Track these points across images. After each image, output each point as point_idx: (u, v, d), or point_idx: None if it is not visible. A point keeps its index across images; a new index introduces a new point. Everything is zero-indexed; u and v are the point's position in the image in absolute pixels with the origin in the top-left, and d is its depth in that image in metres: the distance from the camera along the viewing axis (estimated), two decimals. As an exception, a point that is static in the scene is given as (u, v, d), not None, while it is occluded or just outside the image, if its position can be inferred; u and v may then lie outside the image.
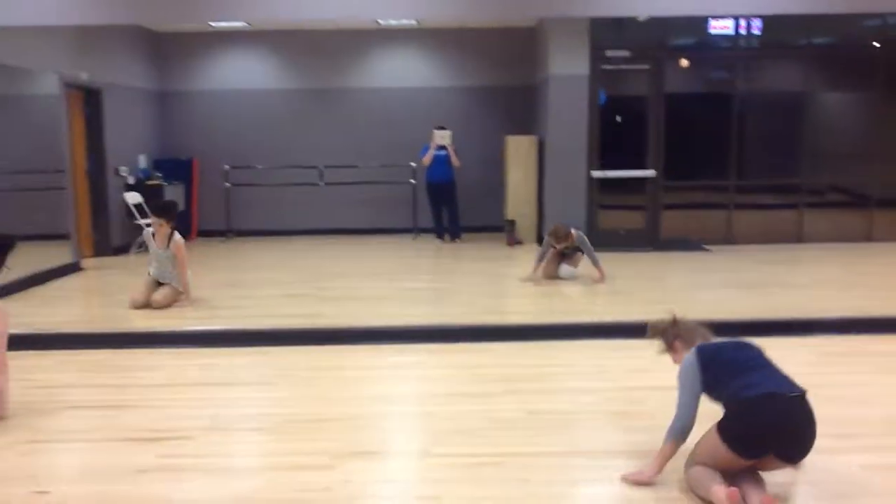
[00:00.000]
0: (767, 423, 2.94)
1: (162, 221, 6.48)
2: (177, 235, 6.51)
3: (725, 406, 3.06)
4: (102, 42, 9.36)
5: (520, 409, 4.13)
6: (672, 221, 9.86)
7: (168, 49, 11.03)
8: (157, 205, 6.82)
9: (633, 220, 9.89)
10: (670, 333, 3.41)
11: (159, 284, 6.51)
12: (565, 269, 7.46)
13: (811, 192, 9.89)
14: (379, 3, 7.94)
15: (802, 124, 9.73)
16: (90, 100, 9.25)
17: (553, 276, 7.42)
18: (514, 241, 9.98)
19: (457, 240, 10.32)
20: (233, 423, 3.98)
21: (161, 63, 11.04)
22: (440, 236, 10.40)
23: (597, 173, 9.58)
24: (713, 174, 9.93)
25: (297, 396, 4.43)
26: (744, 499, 2.93)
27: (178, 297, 6.48)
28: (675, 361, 3.37)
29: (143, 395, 4.44)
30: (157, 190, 10.02)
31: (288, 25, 10.71)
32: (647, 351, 5.14)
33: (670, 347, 3.41)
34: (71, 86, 8.70)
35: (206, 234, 10.93)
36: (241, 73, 11.14)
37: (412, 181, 10.81)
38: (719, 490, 2.91)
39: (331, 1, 7.70)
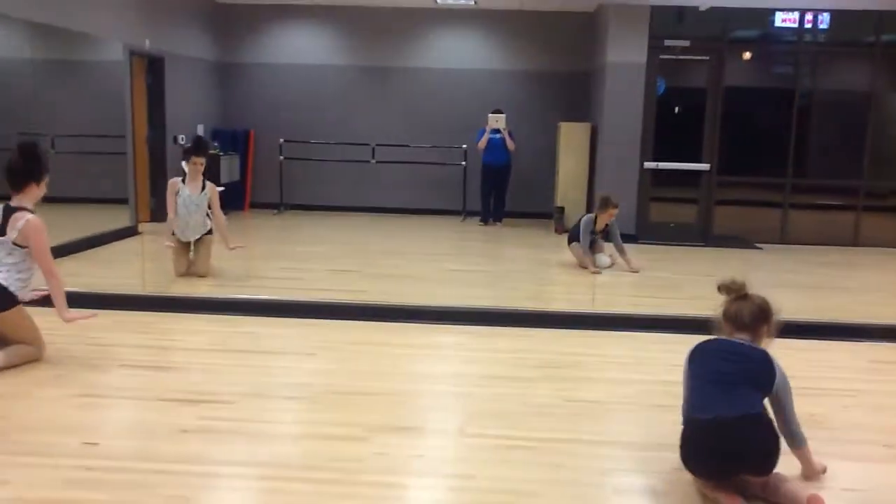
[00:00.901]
0: (711, 450, 2.95)
1: (204, 160, 6.39)
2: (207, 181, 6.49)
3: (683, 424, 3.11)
4: (165, 11, 9.56)
5: (556, 395, 4.14)
6: (724, 217, 9.71)
7: (229, 20, 11.19)
8: (197, 143, 6.55)
9: (684, 214, 9.77)
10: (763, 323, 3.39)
11: (187, 247, 6.48)
12: (601, 258, 7.40)
13: (871, 195, 9.62)
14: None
15: (866, 125, 9.45)
16: (152, 68, 9.46)
17: (593, 264, 7.37)
18: (562, 229, 9.92)
19: (498, 223, 10.34)
20: (272, 391, 4.08)
21: (221, 34, 11.21)
22: (485, 220, 10.42)
23: (650, 164, 9.47)
24: (769, 171, 9.73)
25: (337, 369, 4.51)
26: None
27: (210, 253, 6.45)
28: None
29: (188, 359, 4.58)
30: (214, 159, 10.21)
31: (348, 1, 10.77)
32: (687, 346, 5.14)
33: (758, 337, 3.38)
34: (134, 53, 8.90)
35: (260, 206, 11.12)
36: (300, 48, 11.26)
37: (463, 163, 10.83)
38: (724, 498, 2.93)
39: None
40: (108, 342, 4.79)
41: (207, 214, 6.54)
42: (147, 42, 9.04)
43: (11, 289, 4.19)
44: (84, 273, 6.43)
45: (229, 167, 10.63)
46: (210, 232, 6.62)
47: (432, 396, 4.14)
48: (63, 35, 7.60)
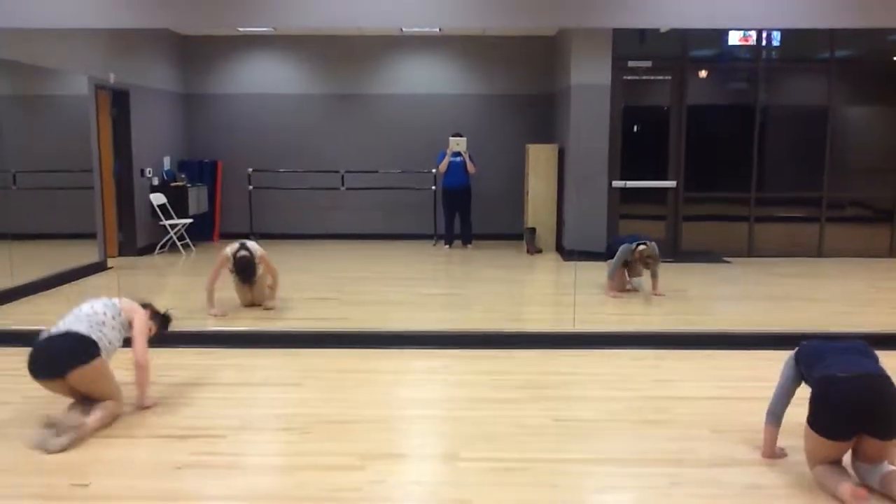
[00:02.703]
0: (846, 400, 3.10)
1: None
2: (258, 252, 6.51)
3: (812, 391, 3.26)
4: (129, 44, 9.51)
5: (545, 415, 4.17)
6: (692, 233, 9.88)
7: (194, 52, 11.16)
8: (243, 271, 6.47)
9: (653, 231, 9.89)
10: None
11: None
12: (635, 280, 7.39)
13: (833, 206, 9.88)
14: (404, 11, 8.01)
15: (824, 138, 9.71)
16: (117, 101, 9.38)
17: (622, 288, 7.33)
18: (534, 250, 10.02)
19: (468, 246, 10.40)
20: (263, 423, 4.05)
21: (186, 66, 11.17)
22: (449, 242, 10.47)
23: (617, 183, 9.62)
24: (734, 186, 9.94)
25: (325, 398, 4.49)
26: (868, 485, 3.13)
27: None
28: None
29: (174, 394, 4.51)
30: (182, 191, 10.15)
31: (313, 31, 10.82)
32: (669, 362, 5.23)
33: None
34: (99, 87, 8.83)
35: (229, 236, 11.01)
36: (265, 78, 11.26)
37: (433, 187, 10.89)
38: (845, 488, 3.04)
39: (358, 8, 7.78)
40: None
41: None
42: (112, 76, 8.98)
43: (99, 344, 4.00)
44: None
45: (197, 198, 10.55)
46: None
47: (423, 422, 4.15)
48: (27, 70, 7.52)
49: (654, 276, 7.25)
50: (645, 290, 7.30)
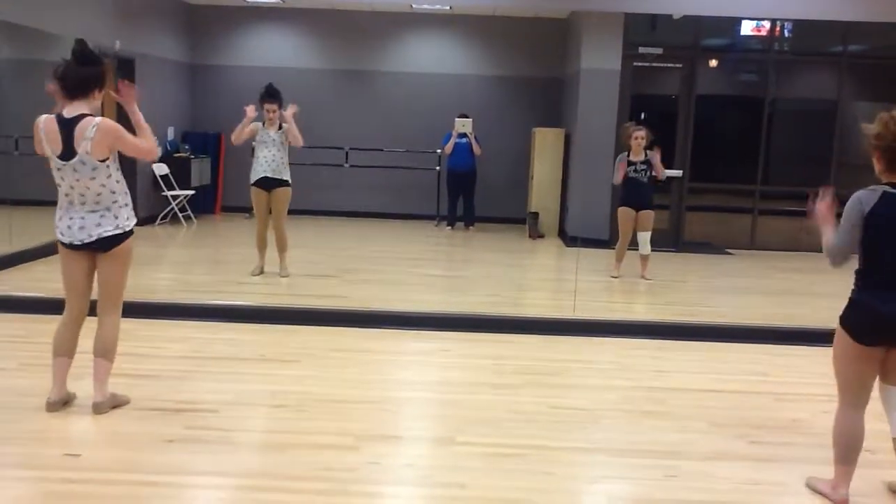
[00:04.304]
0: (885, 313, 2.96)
1: (275, 106, 6.68)
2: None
3: (854, 280, 3.08)
4: (136, 12, 9.41)
5: (542, 402, 4.14)
6: (695, 223, 9.83)
7: (201, 22, 11.06)
8: (268, 90, 6.76)
9: (656, 221, 9.79)
10: (876, 143, 3.18)
11: (267, 191, 6.82)
12: (641, 236, 7.34)
13: (839, 202, 9.79)
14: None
15: (832, 133, 9.64)
16: (122, 69, 9.29)
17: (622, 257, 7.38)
18: (536, 235, 9.97)
19: (470, 228, 10.35)
20: (257, 399, 4.02)
21: (193, 36, 11.07)
22: (451, 224, 10.42)
23: (623, 170, 9.54)
24: (739, 178, 9.88)
25: (322, 376, 4.46)
26: None
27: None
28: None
29: (168, 367, 4.49)
30: (185, 162, 10.10)
31: (322, 4, 10.71)
32: (668, 352, 5.20)
33: (871, 154, 3.21)
34: (104, 54, 8.72)
35: (231, 209, 10.99)
36: (272, 51, 11.16)
37: (437, 168, 10.82)
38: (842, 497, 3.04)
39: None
40: (86, 349, 4.68)
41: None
42: (117, 43, 8.89)
43: (122, 217, 3.64)
44: (56, 278, 6.26)
45: (200, 170, 10.50)
46: (284, 184, 6.89)
47: (420, 404, 4.12)
48: (30, 35, 7.43)
49: (644, 255, 7.27)
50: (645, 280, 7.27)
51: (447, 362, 4.86)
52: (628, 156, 7.21)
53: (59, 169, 3.58)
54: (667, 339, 5.46)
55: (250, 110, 6.70)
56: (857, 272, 3.11)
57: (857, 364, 3.05)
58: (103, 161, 3.58)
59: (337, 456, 3.37)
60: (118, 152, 3.71)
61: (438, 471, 3.29)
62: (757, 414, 4.09)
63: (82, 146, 3.52)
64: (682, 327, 5.69)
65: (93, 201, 3.60)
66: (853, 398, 3.08)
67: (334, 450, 3.43)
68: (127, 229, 3.71)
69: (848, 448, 3.09)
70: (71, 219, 3.60)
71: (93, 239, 3.59)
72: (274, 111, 6.71)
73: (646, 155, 7.19)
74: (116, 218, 3.66)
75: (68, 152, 3.54)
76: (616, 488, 3.21)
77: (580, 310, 5.97)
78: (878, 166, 3.13)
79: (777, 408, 4.21)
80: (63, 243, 3.64)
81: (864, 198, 3.07)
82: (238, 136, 6.79)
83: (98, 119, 3.60)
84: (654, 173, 7.18)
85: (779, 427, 3.89)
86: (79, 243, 3.60)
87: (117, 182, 3.67)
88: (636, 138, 7.15)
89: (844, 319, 3.08)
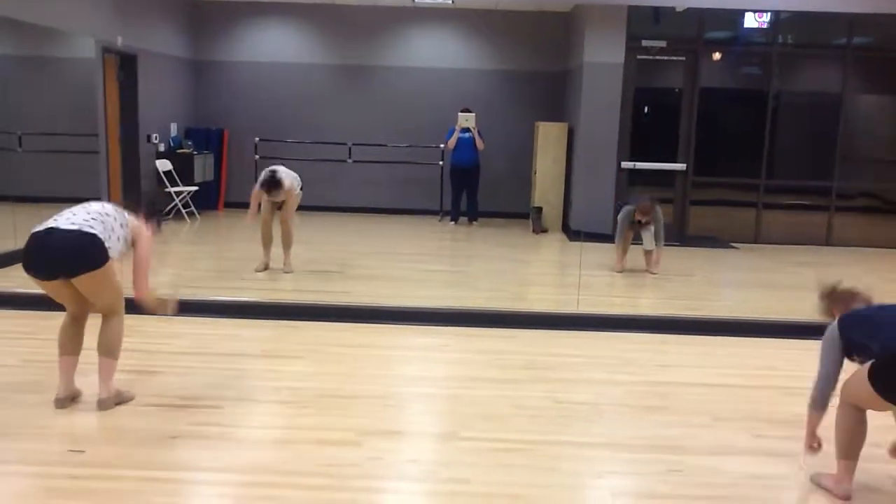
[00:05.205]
0: None
1: (275, 199, 6.75)
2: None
3: (878, 354, 3.02)
4: (138, 7, 9.40)
5: (546, 397, 4.14)
6: (700, 217, 9.81)
7: (203, 17, 11.04)
8: (268, 183, 6.64)
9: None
10: (827, 302, 3.42)
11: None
12: (647, 236, 7.29)
13: (842, 195, 9.78)
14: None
15: (836, 126, 9.59)
16: (125, 65, 9.29)
17: (625, 253, 7.39)
18: (540, 229, 9.95)
19: (473, 223, 10.34)
20: (260, 395, 4.03)
21: (196, 32, 11.06)
22: (455, 219, 10.40)
23: (627, 164, 9.53)
24: (743, 171, 9.85)
25: (325, 372, 4.46)
26: None
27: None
28: None
29: (171, 363, 4.50)
30: (188, 158, 10.09)
31: None
32: (672, 346, 5.19)
33: (829, 314, 3.38)
34: (106, 50, 8.74)
35: (234, 205, 10.98)
36: (275, 46, 11.15)
37: (440, 163, 10.81)
38: (845, 491, 3.06)
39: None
40: (88, 345, 4.68)
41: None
42: (119, 39, 8.88)
43: (107, 244, 3.59)
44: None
45: (203, 166, 10.49)
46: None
47: (422, 399, 4.12)
48: (32, 30, 7.43)
49: (657, 237, 7.22)
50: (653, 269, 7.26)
51: (450, 357, 4.85)
52: (635, 214, 7.16)
53: None
54: (670, 334, 5.45)
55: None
56: (875, 343, 3.05)
57: (872, 403, 3.06)
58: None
59: (340, 451, 3.37)
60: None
61: (441, 466, 3.29)
62: (762, 408, 4.08)
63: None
64: (686, 321, 5.68)
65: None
66: (858, 406, 3.11)
67: (337, 445, 3.43)
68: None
69: (850, 443, 3.08)
70: None
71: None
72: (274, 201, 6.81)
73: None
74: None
75: None
76: (619, 483, 3.21)
77: (584, 304, 5.95)
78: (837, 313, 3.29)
79: (782, 402, 4.20)
80: None
81: (833, 333, 3.20)
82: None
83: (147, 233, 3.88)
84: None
85: (784, 421, 3.88)
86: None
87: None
88: (639, 221, 7.15)
89: (874, 374, 3.03)
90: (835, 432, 3.13)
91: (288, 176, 6.73)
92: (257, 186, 6.71)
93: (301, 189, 6.98)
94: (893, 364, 2.98)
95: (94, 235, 3.54)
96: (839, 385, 3.18)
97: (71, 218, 3.60)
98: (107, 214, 3.69)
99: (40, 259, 3.56)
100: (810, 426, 3.24)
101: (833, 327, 3.20)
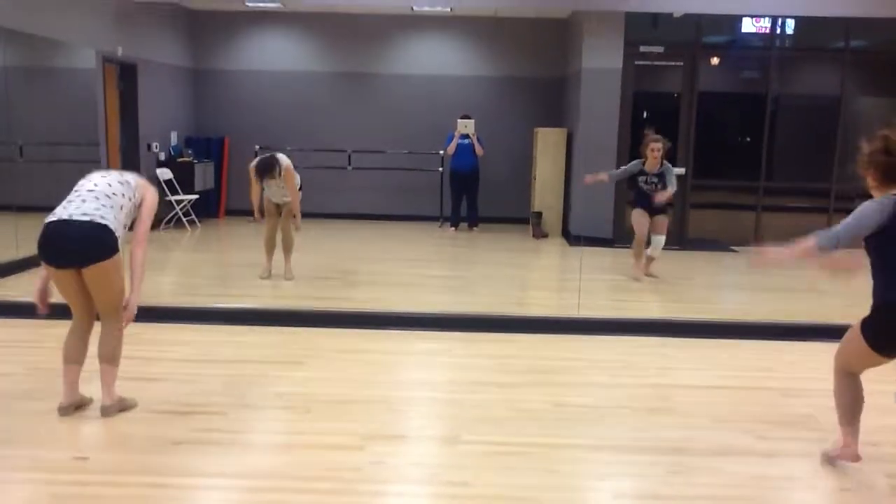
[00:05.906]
0: None
1: (270, 181, 6.59)
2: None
3: (874, 297, 3.03)
4: (138, 18, 9.44)
5: (546, 400, 4.15)
6: (699, 221, 9.83)
7: (203, 27, 11.09)
8: (262, 168, 6.54)
9: (660, 218, 9.85)
10: (870, 159, 3.09)
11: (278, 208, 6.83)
12: (655, 239, 7.26)
13: (841, 197, 9.79)
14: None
15: (835, 129, 9.62)
16: (125, 75, 9.34)
17: (644, 234, 7.27)
18: (540, 234, 9.98)
19: (474, 228, 10.36)
20: (263, 401, 4.04)
21: (195, 41, 11.11)
22: (455, 225, 10.43)
23: (626, 169, 9.54)
24: (742, 175, 9.87)
25: (326, 377, 4.47)
26: None
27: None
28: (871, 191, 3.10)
29: (174, 370, 4.52)
30: (188, 167, 10.13)
31: (322, 8, 10.74)
32: (672, 350, 5.21)
33: (864, 174, 3.14)
34: (107, 60, 8.78)
35: (235, 213, 11.01)
36: (274, 55, 11.19)
37: (439, 169, 10.84)
38: (852, 453, 3.16)
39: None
40: (90, 353, 4.70)
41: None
42: (119, 49, 8.93)
43: (117, 234, 3.68)
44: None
45: (203, 175, 10.53)
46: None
47: (424, 404, 4.13)
48: (34, 41, 7.47)
49: (651, 252, 7.22)
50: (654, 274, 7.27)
51: (452, 362, 4.87)
52: (643, 165, 7.13)
53: None
54: (672, 337, 5.46)
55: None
56: (878, 281, 3.08)
57: (867, 361, 3.09)
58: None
59: (343, 456, 3.38)
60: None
61: (444, 469, 3.31)
62: (763, 409, 4.09)
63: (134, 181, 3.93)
64: (687, 324, 5.69)
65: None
66: (851, 371, 3.21)
67: (340, 450, 3.44)
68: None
69: (850, 408, 3.20)
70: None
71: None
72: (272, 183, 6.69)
73: (661, 165, 7.09)
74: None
75: None
76: (621, 485, 3.22)
77: (584, 308, 5.97)
78: (871, 182, 3.09)
79: (784, 403, 4.22)
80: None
81: (886, 204, 2.99)
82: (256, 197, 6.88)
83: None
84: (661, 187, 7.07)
85: (786, 422, 3.89)
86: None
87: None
88: (653, 150, 7.04)
89: (866, 328, 3.05)
90: (835, 401, 3.25)
91: (284, 160, 6.63)
92: (252, 174, 6.55)
93: (300, 189, 6.91)
94: (886, 315, 3.04)
95: (105, 226, 3.62)
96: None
97: (81, 207, 3.65)
98: (114, 194, 3.75)
99: (53, 248, 3.64)
100: (802, 247, 3.18)
101: (884, 204, 2.99)
